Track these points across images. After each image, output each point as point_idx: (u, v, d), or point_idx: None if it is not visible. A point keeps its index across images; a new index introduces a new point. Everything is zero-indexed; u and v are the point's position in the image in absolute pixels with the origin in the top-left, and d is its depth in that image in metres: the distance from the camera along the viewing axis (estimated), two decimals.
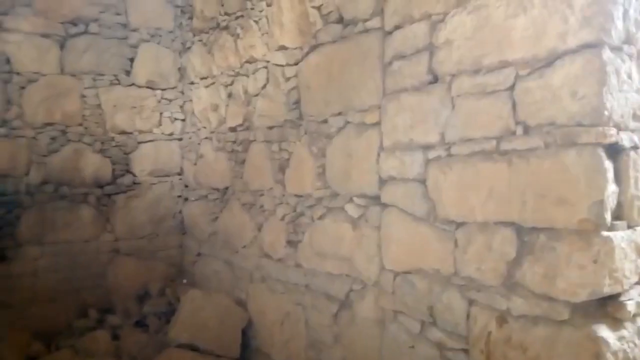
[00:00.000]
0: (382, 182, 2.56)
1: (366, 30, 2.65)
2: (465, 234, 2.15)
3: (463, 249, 2.16)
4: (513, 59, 1.95)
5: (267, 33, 3.50)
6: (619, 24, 1.75)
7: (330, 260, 2.94)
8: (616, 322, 1.80)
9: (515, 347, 1.96)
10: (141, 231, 4.63)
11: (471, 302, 2.14)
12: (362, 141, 2.67)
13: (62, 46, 4.32)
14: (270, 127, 3.49)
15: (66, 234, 4.31)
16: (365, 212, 2.67)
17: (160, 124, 4.75)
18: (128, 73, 4.59)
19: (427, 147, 2.31)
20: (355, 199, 2.73)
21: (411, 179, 2.38)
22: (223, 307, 3.74)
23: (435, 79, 2.28)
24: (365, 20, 2.66)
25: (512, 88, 1.97)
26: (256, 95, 3.64)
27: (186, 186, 4.83)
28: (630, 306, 1.80)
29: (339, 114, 2.84)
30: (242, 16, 3.78)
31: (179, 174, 4.86)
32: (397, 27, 2.46)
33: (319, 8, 2.99)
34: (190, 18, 4.60)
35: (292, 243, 3.29)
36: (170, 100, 4.79)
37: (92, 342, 3.83)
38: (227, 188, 4.12)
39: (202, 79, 4.47)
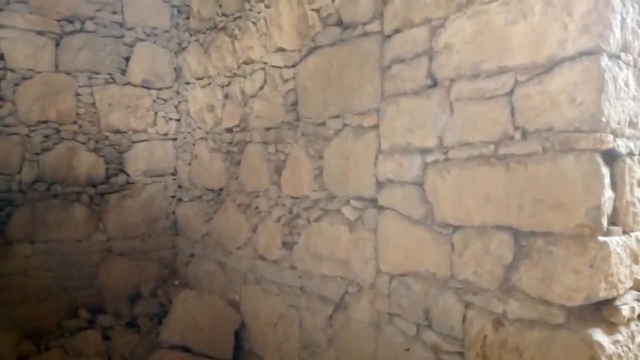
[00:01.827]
0: (380, 185, 2.57)
1: (365, 34, 2.67)
2: (462, 238, 2.16)
3: (460, 253, 2.17)
4: (512, 65, 1.97)
5: (265, 35, 3.50)
6: (617, 32, 1.78)
7: (326, 262, 2.94)
8: (611, 326, 1.82)
9: (511, 350, 1.97)
10: (134, 231, 4.60)
11: (467, 305, 2.15)
12: (360, 144, 2.68)
13: (57, 44, 4.29)
14: (267, 129, 3.48)
15: (58, 233, 4.27)
16: (362, 215, 2.68)
17: (155, 123, 4.73)
18: (123, 72, 4.56)
19: (425, 151, 2.32)
20: (352, 201, 2.74)
21: (409, 182, 2.40)
22: (216, 309, 3.72)
23: (434, 84, 2.29)
24: (365, 24, 2.67)
25: (510, 93, 1.99)
26: (253, 96, 3.64)
27: (180, 187, 4.81)
28: (625, 311, 1.83)
29: (337, 116, 2.85)
30: (240, 17, 3.78)
31: (173, 175, 4.84)
32: (396, 31, 2.48)
33: (318, 11, 3.00)
34: (187, 18, 4.59)
35: (287, 245, 3.29)
36: (166, 100, 4.77)
37: (82, 342, 3.80)
38: (221, 189, 4.11)
39: (198, 79, 4.46)
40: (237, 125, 3.86)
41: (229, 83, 3.96)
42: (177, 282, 4.66)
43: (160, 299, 4.39)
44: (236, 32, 3.82)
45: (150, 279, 4.58)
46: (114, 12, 4.50)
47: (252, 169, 3.66)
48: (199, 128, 4.46)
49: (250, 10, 3.66)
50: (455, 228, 2.20)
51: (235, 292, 3.84)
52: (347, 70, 2.79)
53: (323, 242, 2.96)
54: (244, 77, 3.75)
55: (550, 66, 1.86)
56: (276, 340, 3.37)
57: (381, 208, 2.56)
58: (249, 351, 3.65)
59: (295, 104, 3.21)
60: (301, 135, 3.15)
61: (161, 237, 4.75)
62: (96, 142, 4.44)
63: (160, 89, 4.74)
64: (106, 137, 4.48)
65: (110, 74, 4.49)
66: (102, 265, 4.45)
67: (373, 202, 2.61)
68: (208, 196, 4.31)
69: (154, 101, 4.71)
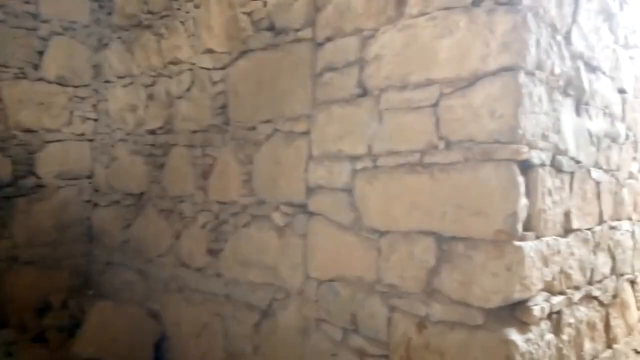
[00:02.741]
0: (310, 190, 2.57)
1: (298, 40, 2.68)
2: (389, 243, 2.22)
3: (386, 257, 2.23)
4: (438, 78, 2.06)
5: (193, 35, 3.40)
6: (533, 51, 1.92)
7: (254, 269, 2.90)
8: (524, 326, 1.94)
9: (434, 352, 2.05)
10: (44, 238, 4.25)
11: (392, 309, 2.21)
12: (291, 149, 2.67)
13: None
14: (194, 132, 3.38)
15: None
16: (292, 221, 2.67)
17: (70, 123, 4.42)
18: (36, 67, 4.22)
19: (355, 158, 2.36)
20: (282, 207, 2.72)
21: (339, 189, 2.42)
22: (135, 319, 3.53)
23: (364, 93, 2.34)
24: (297, 30, 2.68)
25: (436, 105, 2.08)
26: (179, 97, 3.52)
27: (96, 191, 4.53)
28: (536, 311, 1.96)
29: (268, 121, 2.83)
30: (167, 16, 3.66)
31: (89, 178, 4.54)
32: (328, 39, 2.51)
33: (249, 14, 2.97)
34: (109, 13, 4.35)
35: (213, 252, 3.20)
36: (83, 99, 4.47)
37: None
38: (142, 193, 3.92)
39: (119, 77, 4.24)
40: (161, 127, 3.71)
41: (154, 83, 3.81)
42: (91, 292, 4.37)
43: (72, 310, 4.08)
44: (162, 30, 3.68)
45: (61, 289, 4.25)
46: (27, 2, 4.16)
47: (177, 173, 3.54)
48: (119, 129, 4.23)
49: (178, 9, 3.54)
50: (383, 233, 2.25)
51: (156, 301, 3.67)
52: (279, 75, 2.78)
53: (251, 249, 2.92)
54: (170, 77, 3.62)
55: (473, 80, 1.96)
56: (199, 351, 3.25)
57: (311, 214, 2.57)
58: None
59: (224, 107, 3.15)
60: (230, 139, 3.09)
61: (75, 244, 4.43)
62: (3, 141, 4.05)
63: (77, 87, 4.44)
64: (15, 136, 4.11)
65: (21, 69, 4.14)
66: (7, 275, 4.06)
67: (303, 207, 2.61)
68: (127, 201, 4.09)
69: (70, 99, 4.40)
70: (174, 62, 3.60)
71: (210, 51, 3.26)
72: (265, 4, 2.86)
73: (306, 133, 2.61)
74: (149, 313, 3.65)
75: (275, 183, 2.76)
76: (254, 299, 2.89)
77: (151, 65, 3.84)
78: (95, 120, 4.55)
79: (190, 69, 3.44)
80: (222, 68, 3.17)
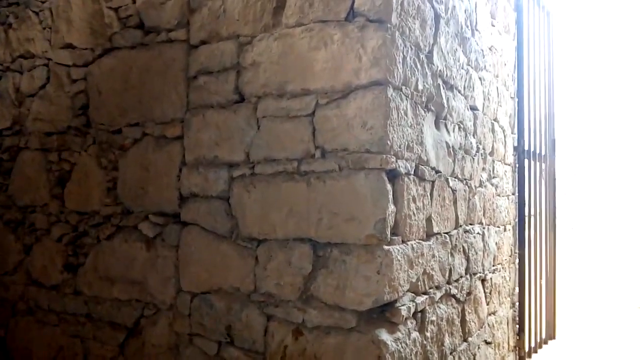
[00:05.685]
0: (183, 199, 2.46)
1: (170, 41, 2.55)
2: (266, 251, 2.20)
3: (263, 266, 2.21)
4: (314, 88, 2.11)
5: (50, 28, 3.07)
6: (400, 67, 2.05)
7: (119, 284, 2.68)
8: (393, 326, 2.05)
9: (309, 357, 2.07)
10: None
11: (269, 318, 2.19)
12: (162, 155, 2.53)
13: None
14: (49, 134, 3.04)
15: None
16: (163, 231, 2.52)
17: None
18: None
19: (232, 165, 2.31)
20: (151, 217, 2.55)
21: (214, 197, 2.35)
22: None
23: (241, 99, 2.31)
24: (170, 30, 2.55)
25: (312, 115, 2.12)
26: (32, 95, 3.15)
27: None
28: (404, 311, 2.08)
29: (136, 124, 2.65)
30: (17, 4, 3.25)
31: None
32: (203, 42, 2.43)
33: (116, 10, 2.77)
34: None
35: (71, 267, 2.90)
36: None
37: None
38: None
39: None
40: (9, 128, 3.28)
41: (0, 78, 3.36)
42: None
43: None
44: (11, 19, 3.27)
45: None
46: None
47: (27, 179, 3.15)
48: None
49: None
50: (260, 242, 2.23)
51: (1, 326, 3.22)
52: (149, 76, 2.62)
53: (116, 263, 2.69)
54: (21, 72, 3.22)
55: (346, 92, 2.04)
56: None
57: (184, 224, 2.45)
58: None
59: (85, 107, 2.88)
60: (92, 142, 2.83)
61: None
62: None
63: None
64: None
65: None
66: None
67: (175, 217, 2.49)
68: None
69: None
70: (26, 56, 3.21)
71: (70, 46, 2.97)
72: (134, 1, 2.68)
73: (179, 138, 2.49)
74: None
75: (144, 191, 2.59)
76: (118, 317, 2.67)
77: None
78: None
79: (46, 65, 3.10)
80: (84, 65, 2.90)
